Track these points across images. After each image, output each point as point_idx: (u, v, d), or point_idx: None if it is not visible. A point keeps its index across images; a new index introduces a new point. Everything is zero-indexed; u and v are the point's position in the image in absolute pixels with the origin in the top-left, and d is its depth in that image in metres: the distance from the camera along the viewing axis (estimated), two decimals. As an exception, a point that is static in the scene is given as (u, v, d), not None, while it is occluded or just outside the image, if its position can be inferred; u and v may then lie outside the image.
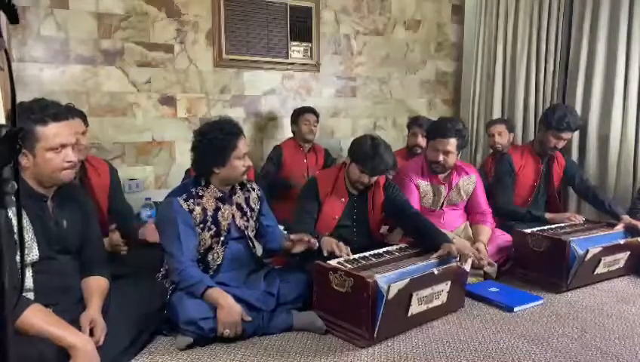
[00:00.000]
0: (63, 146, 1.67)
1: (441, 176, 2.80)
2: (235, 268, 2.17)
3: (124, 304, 1.83)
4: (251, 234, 2.25)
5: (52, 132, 1.63)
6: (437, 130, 2.72)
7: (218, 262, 2.13)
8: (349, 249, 2.24)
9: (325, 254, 2.19)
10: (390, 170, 2.63)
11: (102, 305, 1.77)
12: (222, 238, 2.13)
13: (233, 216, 2.17)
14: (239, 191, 2.23)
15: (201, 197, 2.10)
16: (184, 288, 1.97)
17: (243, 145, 2.10)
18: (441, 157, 2.69)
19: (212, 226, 2.10)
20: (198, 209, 2.07)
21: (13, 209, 1.57)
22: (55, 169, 1.67)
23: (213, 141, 2.05)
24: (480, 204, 2.89)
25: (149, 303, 1.94)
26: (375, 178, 2.47)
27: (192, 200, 2.07)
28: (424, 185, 2.79)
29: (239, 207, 2.20)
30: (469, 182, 2.87)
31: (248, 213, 2.23)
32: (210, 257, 2.11)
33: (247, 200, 2.25)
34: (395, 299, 1.92)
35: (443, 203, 2.83)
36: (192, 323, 1.90)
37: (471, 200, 2.89)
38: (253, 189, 2.31)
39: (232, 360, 1.85)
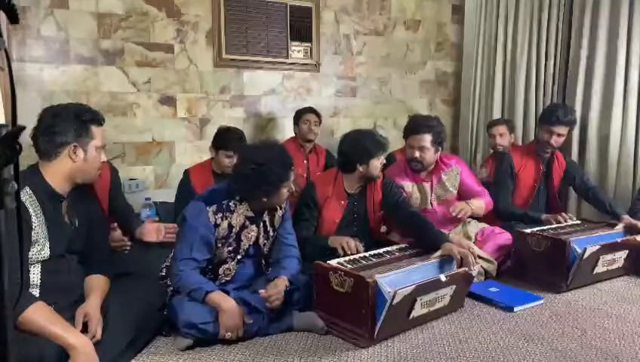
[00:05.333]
0: (103, 148, 1.87)
1: (423, 175, 2.81)
2: (242, 280, 2.15)
3: (124, 304, 1.83)
4: (266, 252, 2.21)
5: (101, 133, 1.85)
6: (410, 128, 2.78)
7: (227, 279, 2.11)
8: (360, 245, 2.27)
9: (341, 253, 2.22)
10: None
11: (100, 301, 1.78)
12: (239, 257, 2.11)
13: (257, 237, 2.14)
14: (267, 211, 2.17)
15: (232, 212, 2.04)
16: (185, 294, 1.96)
17: (292, 175, 2.08)
18: (417, 154, 2.71)
19: (232, 243, 2.07)
20: (224, 224, 2.02)
21: (33, 206, 1.63)
22: (97, 166, 1.85)
23: (268, 172, 1.98)
24: (472, 188, 2.87)
25: (149, 303, 1.94)
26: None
27: (220, 214, 2.01)
28: (408, 186, 2.79)
29: (264, 226, 2.16)
30: (453, 174, 2.85)
31: (270, 233, 2.20)
32: (221, 270, 2.09)
33: (272, 218, 2.20)
34: (399, 304, 1.92)
35: (431, 200, 2.83)
36: (192, 327, 1.90)
37: (462, 188, 2.87)
38: (280, 208, 2.22)
39: (232, 360, 1.85)
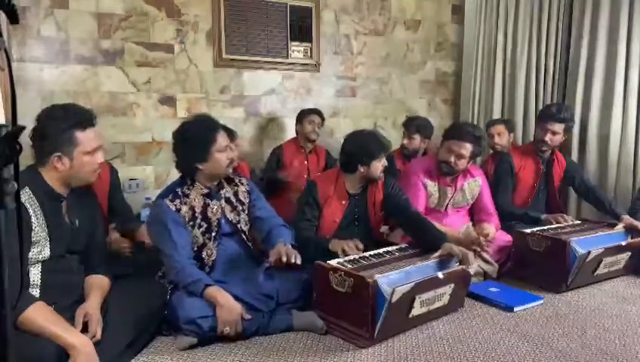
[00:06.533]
0: (97, 149, 1.78)
1: (448, 178, 2.80)
2: (231, 264, 2.17)
3: (124, 304, 1.84)
4: (245, 228, 2.24)
5: (89, 136, 1.75)
6: (455, 132, 2.73)
7: (213, 258, 2.13)
8: (360, 244, 2.29)
9: (341, 256, 2.22)
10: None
11: (101, 301, 1.78)
12: (214, 234, 2.13)
13: (223, 211, 2.18)
14: (227, 186, 2.24)
15: (188, 195, 2.11)
16: (183, 287, 1.97)
17: (223, 139, 2.12)
18: (452, 159, 2.69)
19: (202, 223, 2.11)
20: (185, 208, 2.08)
21: (32, 207, 1.62)
22: (90, 171, 1.79)
23: (191, 137, 2.07)
24: (487, 207, 2.90)
25: (149, 303, 1.94)
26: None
27: (178, 200, 2.08)
28: (431, 185, 2.79)
29: (228, 202, 2.21)
30: (475, 185, 2.87)
31: (239, 207, 2.24)
32: (204, 254, 2.12)
33: (236, 194, 2.25)
34: (397, 302, 1.92)
35: (447, 204, 2.83)
36: (192, 323, 1.90)
37: (477, 202, 2.90)
38: (242, 183, 2.30)
39: (232, 360, 1.85)
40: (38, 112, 1.78)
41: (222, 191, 2.21)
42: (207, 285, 1.95)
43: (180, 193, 2.11)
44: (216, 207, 2.15)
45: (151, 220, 2.15)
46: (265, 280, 2.14)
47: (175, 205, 2.07)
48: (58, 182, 1.76)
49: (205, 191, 2.15)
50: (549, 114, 3.03)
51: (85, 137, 1.75)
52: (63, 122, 1.71)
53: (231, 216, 2.20)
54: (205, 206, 2.13)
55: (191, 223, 2.09)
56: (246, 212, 2.27)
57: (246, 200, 2.28)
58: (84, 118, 1.76)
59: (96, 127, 1.82)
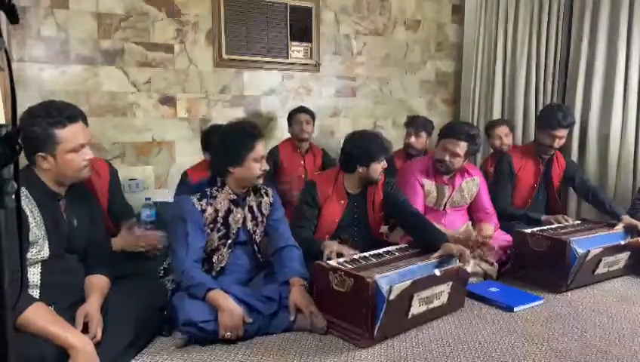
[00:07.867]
0: (82, 146, 1.74)
1: (445, 177, 2.81)
2: (238, 272, 2.17)
3: (125, 304, 1.83)
4: (258, 240, 2.24)
5: (71, 133, 1.71)
6: (450, 131, 2.74)
7: (222, 265, 2.13)
8: (349, 250, 2.27)
9: (325, 258, 2.21)
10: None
11: (101, 301, 1.77)
12: (230, 241, 2.13)
13: (244, 220, 2.17)
14: (252, 195, 2.23)
15: (215, 197, 2.11)
16: (185, 288, 1.97)
17: (261, 148, 2.12)
18: (447, 158, 2.70)
19: (221, 228, 2.11)
20: (210, 209, 2.08)
21: (29, 206, 1.62)
22: (76, 168, 1.75)
23: (230, 140, 2.09)
24: (485, 206, 2.90)
25: (149, 303, 1.94)
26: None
27: (205, 200, 2.09)
28: (429, 184, 2.79)
29: (251, 211, 2.20)
30: (473, 184, 2.87)
31: (259, 218, 2.23)
32: (215, 258, 2.12)
33: (259, 204, 2.24)
34: (396, 300, 1.92)
35: (446, 204, 2.83)
36: (192, 325, 1.90)
37: (475, 201, 2.90)
38: (267, 194, 2.29)
39: (232, 360, 1.85)
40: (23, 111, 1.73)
41: (247, 199, 2.20)
42: (209, 289, 1.94)
43: (208, 193, 2.11)
44: (239, 215, 2.15)
45: (172, 213, 2.13)
46: (266, 282, 2.15)
47: (201, 205, 2.07)
48: (52, 181, 1.75)
49: (233, 197, 2.14)
50: (556, 121, 2.97)
51: (66, 135, 1.70)
52: (42, 120, 1.67)
53: (250, 225, 2.19)
54: (229, 211, 2.13)
55: (211, 226, 2.09)
56: (264, 223, 2.26)
57: (267, 212, 2.27)
58: (65, 115, 1.70)
59: (80, 124, 1.76)
